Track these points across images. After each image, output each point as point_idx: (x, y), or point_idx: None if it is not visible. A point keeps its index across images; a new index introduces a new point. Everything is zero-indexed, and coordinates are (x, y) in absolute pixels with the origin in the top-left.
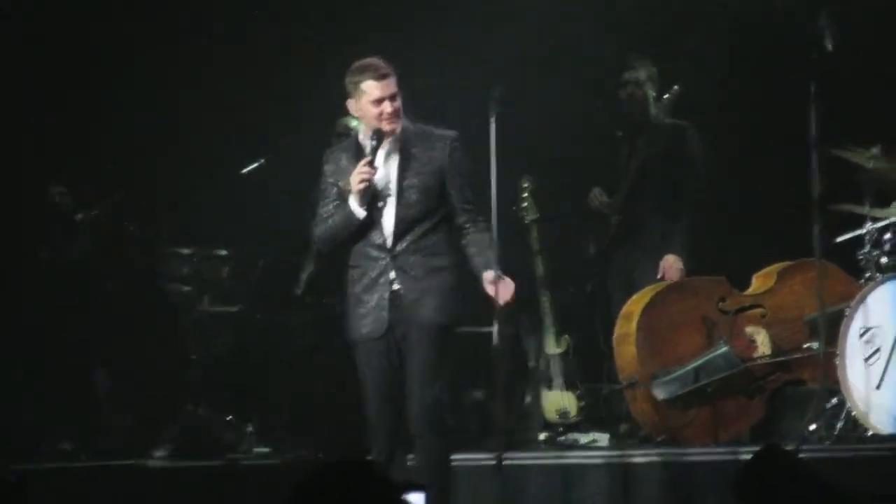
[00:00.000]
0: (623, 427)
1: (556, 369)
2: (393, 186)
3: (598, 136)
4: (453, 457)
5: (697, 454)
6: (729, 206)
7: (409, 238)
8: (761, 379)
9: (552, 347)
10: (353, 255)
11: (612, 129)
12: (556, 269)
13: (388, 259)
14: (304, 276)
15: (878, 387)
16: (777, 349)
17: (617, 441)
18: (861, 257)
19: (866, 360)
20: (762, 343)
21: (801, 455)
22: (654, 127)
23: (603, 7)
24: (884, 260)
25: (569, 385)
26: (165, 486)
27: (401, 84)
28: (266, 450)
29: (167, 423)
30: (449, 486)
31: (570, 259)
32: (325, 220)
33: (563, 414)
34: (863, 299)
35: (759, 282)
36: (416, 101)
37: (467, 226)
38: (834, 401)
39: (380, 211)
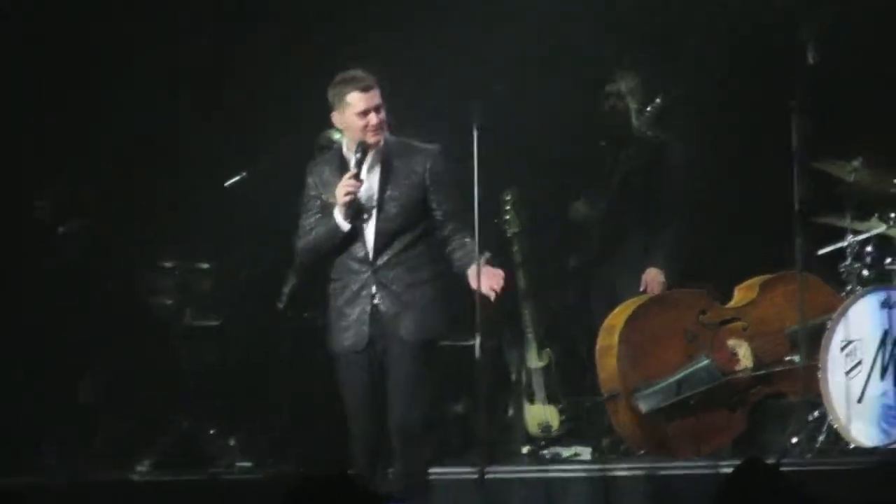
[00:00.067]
0: (605, 440)
1: (538, 383)
2: (374, 199)
3: (583, 146)
4: (435, 470)
5: (679, 467)
6: (712, 217)
7: (390, 251)
8: (743, 392)
9: (534, 361)
10: (335, 267)
11: (596, 140)
12: (538, 281)
13: (369, 272)
14: (286, 289)
15: (859, 400)
16: (759, 362)
17: (599, 454)
18: (843, 270)
19: (848, 373)
20: (744, 356)
21: (782, 468)
22: (637, 140)
23: (603, 7)
24: (865, 273)
25: (551, 398)
26: (148, 500)
27: (392, 91)
28: (248, 464)
29: (150, 437)
30: (428, 500)
31: (553, 272)
32: (309, 233)
33: (546, 427)
34: (844, 312)
35: (740, 294)
36: (415, 102)
37: (453, 236)
38: (815, 414)
39: (362, 224)
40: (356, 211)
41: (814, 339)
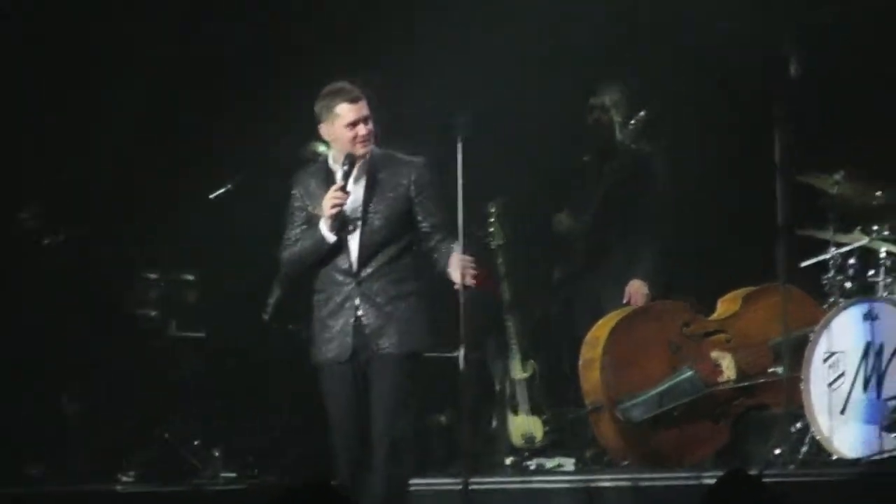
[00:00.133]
0: (589, 452)
1: (522, 394)
2: (359, 211)
3: (568, 159)
4: (419, 482)
5: (662, 478)
6: (695, 230)
7: (374, 263)
8: (726, 403)
9: (518, 372)
10: (319, 279)
11: (581, 153)
12: (522, 293)
13: (353, 284)
14: (271, 300)
15: (842, 411)
16: (742, 374)
17: (583, 465)
18: (825, 282)
19: (830, 384)
20: (727, 368)
21: (765, 479)
22: (621, 153)
23: (603, 6)
24: (848, 285)
25: (535, 410)
26: None
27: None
28: (233, 474)
29: (135, 447)
30: None
31: (537, 284)
32: (294, 245)
33: (529, 439)
34: (827, 324)
35: (724, 306)
36: (415, 102)
37: (439, 246)
38: (798, 425)
39: (347, 236)
40: (341, 223)
41: (797, 351)
